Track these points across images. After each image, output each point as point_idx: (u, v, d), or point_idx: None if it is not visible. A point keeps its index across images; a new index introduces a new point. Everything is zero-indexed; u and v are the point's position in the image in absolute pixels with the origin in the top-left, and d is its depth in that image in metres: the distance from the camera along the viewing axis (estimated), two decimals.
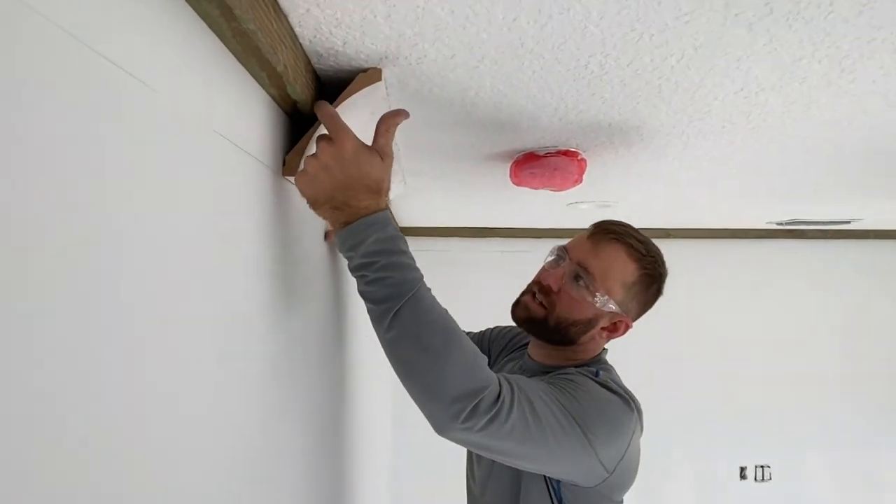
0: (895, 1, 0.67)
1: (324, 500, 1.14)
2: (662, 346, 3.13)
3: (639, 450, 1.03)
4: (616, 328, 1.07)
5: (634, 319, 1.10)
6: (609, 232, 1.06)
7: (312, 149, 0.81)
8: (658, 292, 1.10)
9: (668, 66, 0.86)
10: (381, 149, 0.81)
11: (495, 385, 0.83)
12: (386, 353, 0.86)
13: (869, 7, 0.68)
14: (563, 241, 1.12)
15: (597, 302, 1.02)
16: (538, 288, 1.08)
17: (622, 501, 1.04)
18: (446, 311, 0.85)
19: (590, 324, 1.04)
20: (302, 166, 0.81)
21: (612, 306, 1.03)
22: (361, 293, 0.85)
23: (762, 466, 3.19)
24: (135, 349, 0.46)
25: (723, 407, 3.17)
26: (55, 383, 0.37)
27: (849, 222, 2.74)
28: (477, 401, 0.80)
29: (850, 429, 3.20)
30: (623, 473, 0.98)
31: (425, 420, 0.86)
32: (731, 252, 3.18)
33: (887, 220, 2.71)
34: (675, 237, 3.09)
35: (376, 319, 0.83)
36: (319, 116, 0.80)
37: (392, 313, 0.80)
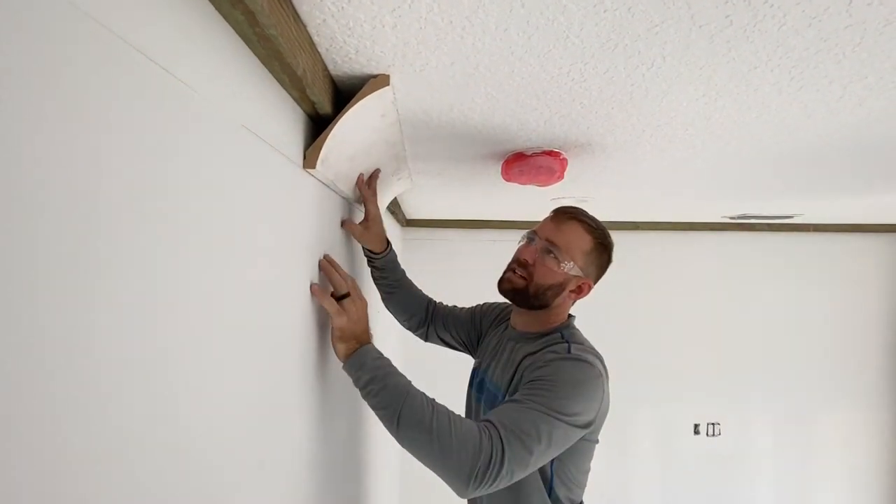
0: (841, 15, 0.65)
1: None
2: (631, 322, 3.13)
3: (609, 395, 1.06)
4: (581, 290, 1.13)
5: (594, 282, 1.15)
6: (567, 213, 1.13)
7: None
8: (609, 259, 1.15)
9: (639, 74, 0.84)
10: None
11: (485, 450, 0.84)
12: (400, 444, 0.88)
13: (817, 20, 0.66)
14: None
15: (564, 268, 1.09)
16: (518, 264, 1.13)
17: (598, 440, 1.09)
18: (431, 400, 0.89)
19: (561, 286, 1.10)
20: (341, 312, 0.94)
21: (577, 271, 1.09)
22: (373, 400, 0.90)
23: (713, 424, 3.20)
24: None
25: (681, 373, 3.17)
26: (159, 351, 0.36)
27: (791, 217, 2.72)
28: (476, 471, 0.82)
29: (791, 394, 3.20)
30: (600, 419, 1.03)
31: None
32: (690, 242, 3.18)
33: (825, 215, 2.69)
34: (643, 229, 3.08)
35: (387, 419, 0.88)
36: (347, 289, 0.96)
37: (398, 413, 0.86)
